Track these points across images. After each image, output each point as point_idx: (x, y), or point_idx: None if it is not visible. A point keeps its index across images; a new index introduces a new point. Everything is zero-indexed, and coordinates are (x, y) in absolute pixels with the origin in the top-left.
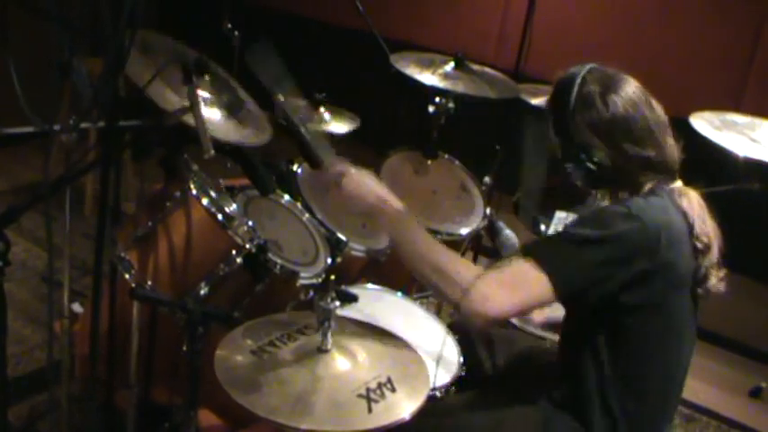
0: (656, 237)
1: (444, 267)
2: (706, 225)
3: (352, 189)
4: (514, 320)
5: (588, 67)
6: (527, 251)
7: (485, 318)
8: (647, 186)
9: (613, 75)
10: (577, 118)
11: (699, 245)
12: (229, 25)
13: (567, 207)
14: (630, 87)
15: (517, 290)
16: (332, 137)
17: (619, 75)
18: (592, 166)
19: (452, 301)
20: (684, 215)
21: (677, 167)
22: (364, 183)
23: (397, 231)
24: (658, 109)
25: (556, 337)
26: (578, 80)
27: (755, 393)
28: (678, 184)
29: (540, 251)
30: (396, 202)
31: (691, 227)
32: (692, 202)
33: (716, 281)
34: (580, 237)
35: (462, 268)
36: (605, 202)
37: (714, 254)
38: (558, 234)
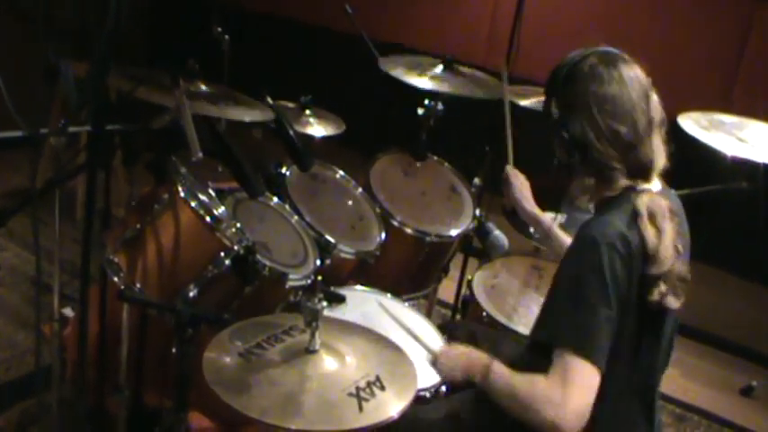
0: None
1: (516, 397)
2: (661, 242)
3: (447, 370)
4: (500, 318)
5: (596, 47)
6: (562, 342)
7: (562, 428)
8: (620, 184)
9: (618, 54)
10: (566, 89)
11: (651, 270)
12: (219, 29)
13: (555, 208)
14: (632, 70)
15: (574, 391)
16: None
17: (624, 56)
18: (566, 135)
19: (539, 427)
20: (642, 240)
21: (653, 168)
22: (453, 361)
23: (486, 388)
24: (654, 103)
25: None
26: (579, 55)
27: (746, 392)
28: (649, 185)
29: (572, 339)
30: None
31: (645, 251)
32: (657, 214)
33: (662, 295)
34: (590, 298)
35: (529, 390)
36: (590, 206)
37: (668, 266)
38: (569, 301)
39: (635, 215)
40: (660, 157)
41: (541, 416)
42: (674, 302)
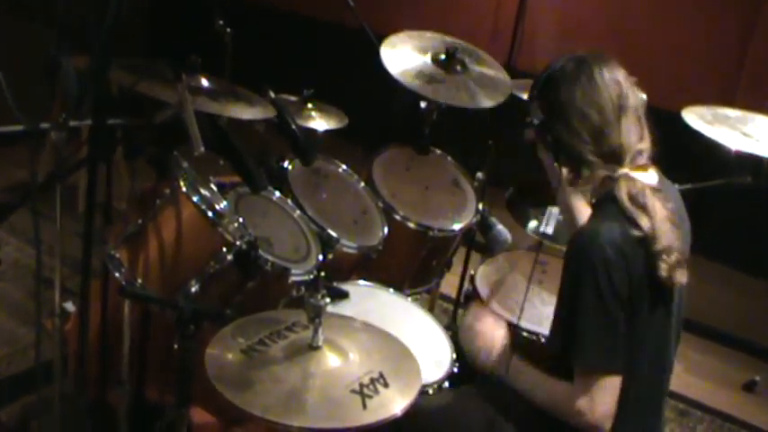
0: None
1: (546, 404)
2: (654, 219)
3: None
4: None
5: (576, 53)
6: (581, 362)
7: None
8: (598, 175)
9: (593, 56)
10: (543, 96)
11: (655, 248)
12: (221, 23)
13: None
14: (605, 66)
15: (601, 398)
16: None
17: (601, 56)
18: (549, 139)
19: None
20: (635, 225)
21: (625, 151)
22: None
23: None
24: (625, 89)
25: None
26: (555, 62)
27: (749, 387)
28: (624, 170)
29: (589, 358)
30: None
31: (643, 233)
32: (638, 195)
33: (671, 269)
34: (592, 314)
35: (558, 398)
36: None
37: (669, 240)
38: (574, 323)
39: (620, 206)
40: (635, 141)
41: (571, 420)
42: (681, 276)
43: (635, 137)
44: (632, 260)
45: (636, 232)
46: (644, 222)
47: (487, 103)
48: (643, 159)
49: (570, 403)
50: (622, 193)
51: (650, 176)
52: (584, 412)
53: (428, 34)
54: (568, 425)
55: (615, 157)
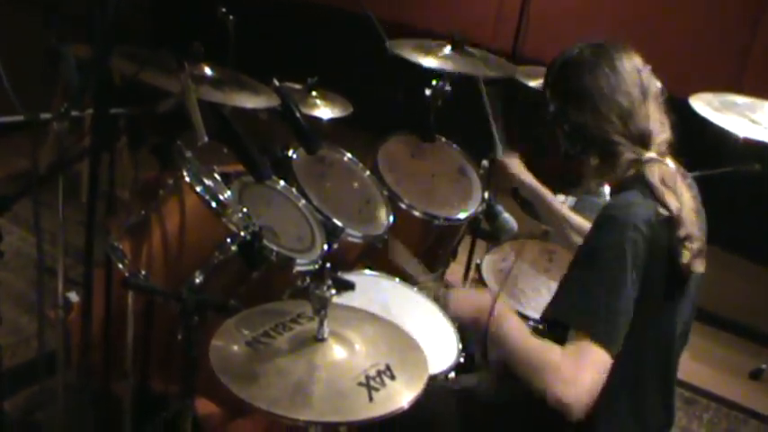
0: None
1: (528, 361)
2: (683, 204)
3: (456, 308)
4: (509, 301)
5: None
6: (579, 325)
7: (567, 406)
8: (625, 158)
9: (609, 44)
10: (561, 82)
11: (680, 233)
12: (224, 10)
13: (564, 190)
14: (624, 54)
15: (587, 372)
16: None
17: (616, 45)
18: (566, 126)
19: (543, 395)
20: (665, 207)
21: (652, 135)
22: (464, 300)
23: (496, 336)
24: (646, 76)
25: None
26: (571, 49)
27: (756, 375)
28: (653, 155)
29: (588, 324)
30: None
31: (670, 216)
32: (668, 179)
33: (692, 257)
34: (610, 280)
35: (542, 357)
36: (605, 190)
37: (690, 229)
38: (588, 283)
39: (650, 187)
40: (659, 128)
41: (548, 387)
42: (699, 266)
43: (659, 124)
44: (656, 241)
45: (665, 212)
46: (673, 205)
47: (495, 74)
48: (664, 148)
49: (554, 368)
50: (654, 174)
51: (669, 164)
52: (566, 381)
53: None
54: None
55: (643, 139)
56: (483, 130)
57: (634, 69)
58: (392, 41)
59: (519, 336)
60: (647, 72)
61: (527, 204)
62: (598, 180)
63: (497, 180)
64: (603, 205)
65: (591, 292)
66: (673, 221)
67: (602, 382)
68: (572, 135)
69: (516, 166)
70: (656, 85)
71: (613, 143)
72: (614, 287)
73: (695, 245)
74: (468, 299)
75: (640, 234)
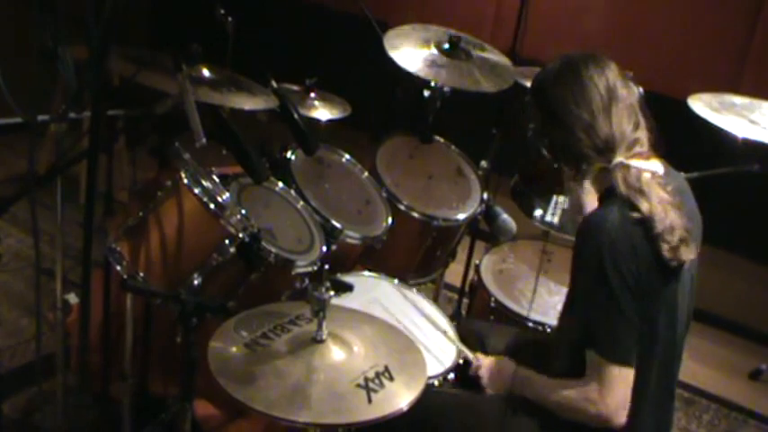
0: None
1: (562, 407)
2: (651, 203)
3: (490, 386)
4: (508, 302)
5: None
6: (595, 350)
7: (609, 421)
8: (596, 167)
9: (581, 55)
10: (538, 100)
11: (655, 230)
12: (222, 11)
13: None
14: (594, 64)
15: (614, 391)
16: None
17: (589, 55)
18: (546, 141)
19: (593, 424)
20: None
21: (618, 141)
22: (494, 378)
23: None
24: (611, 80)
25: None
26: (547, 67)
27: (756, 376)
28: (619, 159)
29: (602, 347)
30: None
31: (643, 216)
32: (633, 182)
33: (673, 249)
34: (605, 303)
35: (571, 399)
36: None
37: (669, 221)
38: (592, 309)
39: (619, 194)
40: (627, 131)
41: (587, 415)
42: (687, 252)
43: (628, 126)
44: (637, 244)
45: (635, 215)
46: (643, 206)
47: (490, 88)
48: (642, 148)
49: (581, 395)
50: (618, 180)
51: (653, 165)
52: (596, 402)
53: (433, 27)
54: (584, 424)
55: (609, 147)
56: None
57: (601, 78)
58: (391, 33)
59: (537, 389)
60: (619, 79)
61: (526, 204)
62: (578, 185)
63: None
64: (580, 224)
65: (590, 319)
66: (646, 221)
67: (631, 390)
68: (550, 148)
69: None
70: (633, 89)
71: (582, 155)
72: (609, 305)
73: (674, 236)
74: (495, 377)
75: (615, 242)
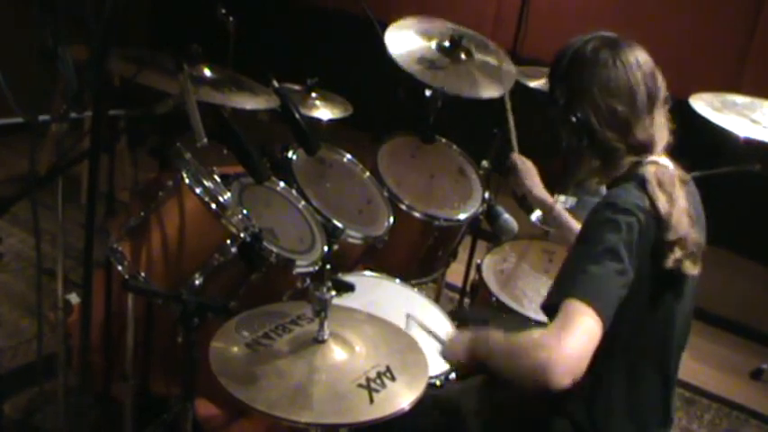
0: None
1: (512, 351)
2: (674, 208)
3: (451, 355)
4: (509, 302)
5: (597, 32)
6: (565, 292)
7: (554, 374)
8: (625, 162)
9: (619, 38)
10: (570, 75)
11: (668, 236)
12: (223, 11)
13: (565, 190)
14: (633, 52)
15: (570, 333)
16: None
17: (625, 40)
18: (574, 120)
19: (531, 376)
20: (654, 206)
21: (654, 144)
22: (453, 344)
23: (482, 354)
24: (657, 81)
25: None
26: (581, 41)
27: (757, 375)
28: (656, 158)
29: (575, 288)
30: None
31: (659, 217)
32: (665, 181)
33: (677, 261)
34: (599, 252)
35: (524, 339)
36: (602, 188)
37: (683, 232)
38: (578, 258)
39: (644, 183)
40: (663, 134)
41: (533, 362)
42: (691, 268)
43: (663, 131)
44: (645, 233)
45: (651, 208)
46: (663, 207)
47: (487, 93)
48: (663, 143)
49: (537, 340)
50: (651, 174)
51: (666, 163)
52: (548, 345)
53: (437, 21)
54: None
55: (644, 148)
56: (483, 127)
57: (645, 68)
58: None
59: (503, 340)
60: (652, 72)
61: (527, 205)
62: (597, 179)
63: (510, 178)
64: (601, 198)
65: (582, 266)
66: (661, 222)
67: (592, 350)
68: (578, 130)
69: (525, 175)
70: (664, 86)
71: (615, 150)
72: (606, 258)
73: (683, 249)
74: (455, 341)
75: (635, 218)
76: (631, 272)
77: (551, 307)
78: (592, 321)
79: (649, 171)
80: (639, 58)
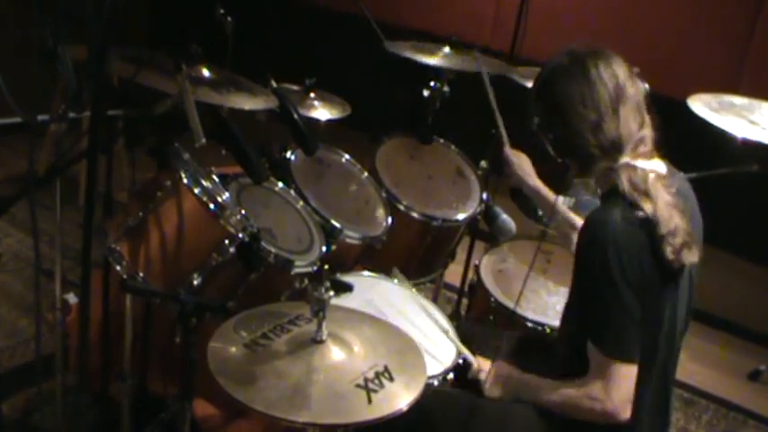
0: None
1: (564, 405)
2: (657, 204)
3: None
4: (507, 303)
5: (569, 47)
6: (597, 345)
7: (617, 417)
8: (600, 166)
9: (588, 50)
10: (542, 94)
11: (659, 232)
12: (222, 11)
13: (561, 191)
14: (601, 59)
15: (616, 387)
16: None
17: (596, 50)
18: (551, 136)
19: (596, 422)
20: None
21: (624, 141)
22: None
23: (528, 399)
24: (622, 78)
25: (555, 323)
26: (551, 60)
27: (755, 376)
28: (625, 159)
29: (604, 344)
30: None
31: (646, 217)
32: (639, 183)
33: (676, 251)
34: (607, 298)
35: (572, 395)
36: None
37: (674, 224)
38: (594, 305)
39: (622, 194)
40: (634, 130)
41: (594, 413)
42: (689, 255)
43: (635, 125)
44: (640, 244)
45: (639, 215)
46: (647, 207)
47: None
48: (646, 147)
49: (585, 393)
50: (623, 180)
51: (656, 165)
52: (600, 398)
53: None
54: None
55: (616, 147)
56: (481, 128)
57: (609, 75)
58: (390, 42)
59: (545, 395)
60: (627, 75)
61: (525, 205)
62: (581, 182)
63: (505, 171)
64: (585, 219)
65: (594, 316)
66: (650, 222)
67: (634, 386)
68: (554, 145)
69: (519, 167)
70: (639, 86)
71: (588, 154)
72: (613, 302)
73: (678, 238)
74: (496, 382)
75: (619, 241)
76: (635, 297)
77: (570, 339)
78: (629, 370)
79: (622, 178)
80: (602, 63)
